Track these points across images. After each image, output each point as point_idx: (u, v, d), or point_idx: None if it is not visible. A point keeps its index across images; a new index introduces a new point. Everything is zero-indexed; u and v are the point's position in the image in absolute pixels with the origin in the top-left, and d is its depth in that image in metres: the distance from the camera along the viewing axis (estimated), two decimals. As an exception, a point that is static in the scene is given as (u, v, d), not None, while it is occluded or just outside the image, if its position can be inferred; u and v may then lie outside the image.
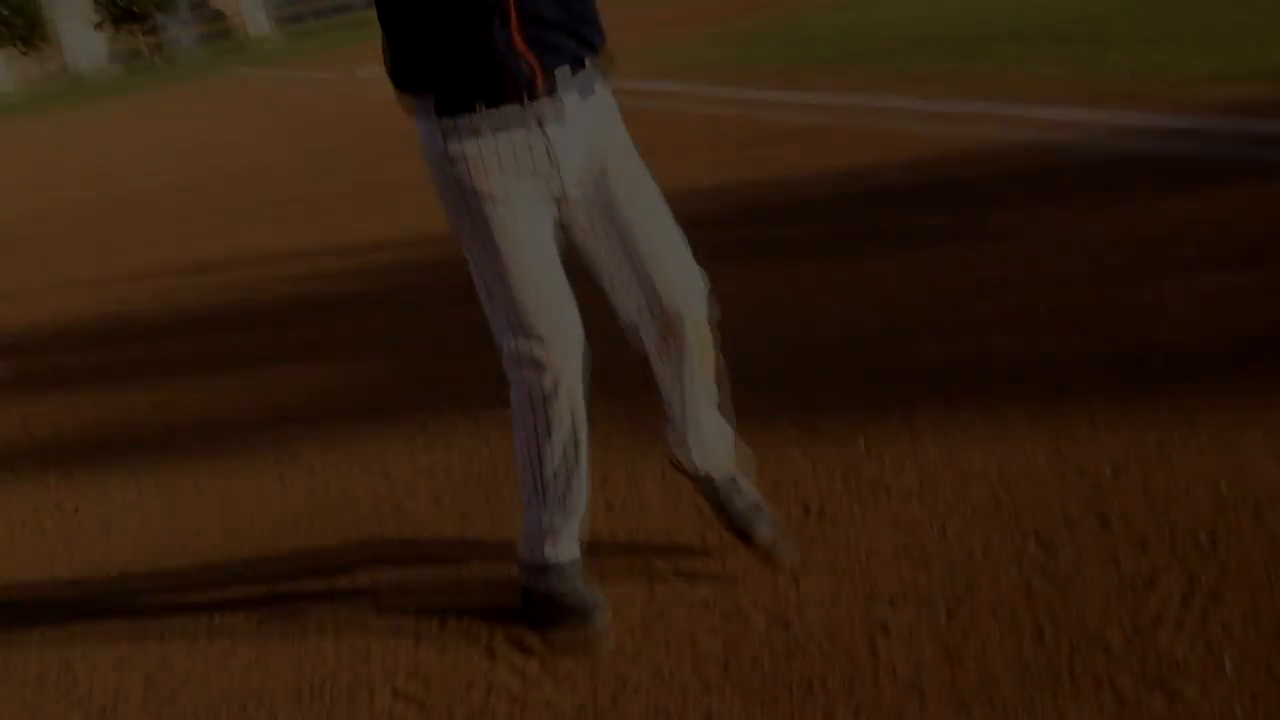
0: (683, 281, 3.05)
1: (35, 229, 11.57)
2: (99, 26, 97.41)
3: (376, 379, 5.30)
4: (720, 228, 6.19)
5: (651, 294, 3.04)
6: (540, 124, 2.87)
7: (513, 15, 2.77)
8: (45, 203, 13.62)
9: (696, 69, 13.06)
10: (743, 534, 3.19)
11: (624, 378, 4.23)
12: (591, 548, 3.18)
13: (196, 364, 6.04)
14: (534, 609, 3.14)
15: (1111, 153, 6.74)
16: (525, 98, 2.84)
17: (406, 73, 2.93)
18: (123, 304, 7.65)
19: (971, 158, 7.20)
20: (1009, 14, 13.16)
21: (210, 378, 5.73)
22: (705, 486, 3.26)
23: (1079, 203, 5.93)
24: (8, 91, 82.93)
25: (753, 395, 3.52)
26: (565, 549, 3.13)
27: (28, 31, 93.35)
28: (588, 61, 2.94)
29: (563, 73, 2.87)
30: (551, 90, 2.86)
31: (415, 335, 5.78)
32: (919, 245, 5.68)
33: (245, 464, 4.54)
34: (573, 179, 2.94)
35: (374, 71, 21.13)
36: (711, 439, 3.24)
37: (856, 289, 5.15)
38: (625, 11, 25.68)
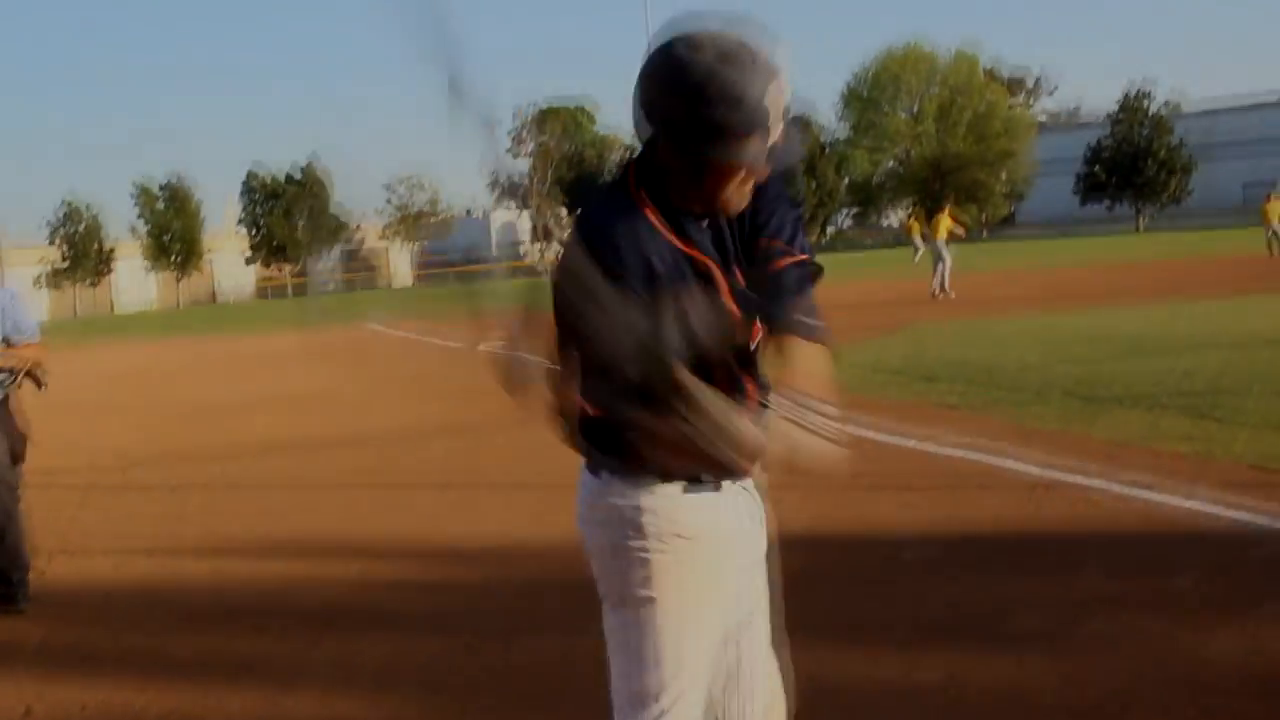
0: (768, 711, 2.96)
1: (120, 477, 11.45)
2: (250, 261, 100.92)
3: (398, 725, 4.86)
4: (801, 591, 5.73)
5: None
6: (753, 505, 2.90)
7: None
8: (137, 443, 13.58)
9: (808, 392, 12.77)
10: None
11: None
12: None
13: (222, 669, 5.65)
14: None
15: (1233, 557, 6.24)
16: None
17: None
18: (175, 580, 7.35)
19: (1080, 541, 6.75)
20: (1134, 372, 12.80)
21: (230, 690, 5.34)
22: None
23: (1191, 615, 5.43)
24: (152, 311, 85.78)
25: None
26: None
27: (186, 257, 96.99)
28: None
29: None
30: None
31: (454, 673, 5.36)
32: (1008, 645, 5.19)
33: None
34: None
35: (497, 346, 21.24)
36: None
37: (933, 695, 4.66)
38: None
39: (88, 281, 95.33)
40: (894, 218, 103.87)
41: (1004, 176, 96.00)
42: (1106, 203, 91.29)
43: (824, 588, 6.09)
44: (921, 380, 13.49)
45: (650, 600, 2.76)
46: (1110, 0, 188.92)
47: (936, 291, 27.99)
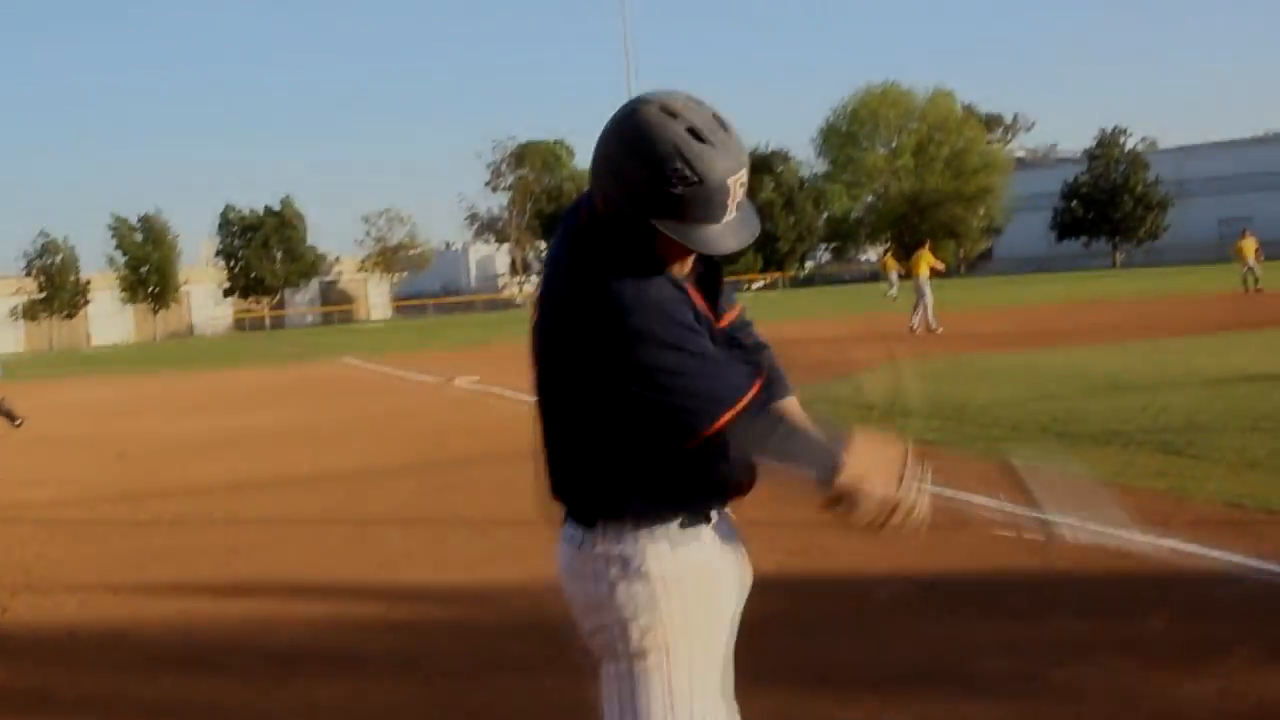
0: None
1: (88, 512, 11.32)
2: (227, 294, 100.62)
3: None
4: (770, 636, 5.66)
5: None
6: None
7: None
8: (106, 477, 13.42)
9: (783, 428, 12.67)
10: None
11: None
12: None
13: (182, 712, 5.56)
14: None
15: (1205, 598, 6.18)
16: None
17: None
18: (139, 619, 7.23)
19: (1052, 582, 6.67)
20: (1109, 409, 12.79)
21: (189, 734, 5.24)
22: None
23: (1162, 658, 5.37)
24: (127, 344, 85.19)
25: None
26: None
27: (162, 290, 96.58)
28: None
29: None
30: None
31: (415, 715, 5.28)
32: (979, 688, 5.13)
33: None
34: None
35: (470, 382, 21.03)
36: None
37: (901, 742, 4.59)
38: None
39: (63, 314, 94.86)
40: (872, 253, 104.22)
41: (981, 213, 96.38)
42: (1083, 239, 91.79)
43: (793, 630, 6.03)
44: (896, 417, 13.44)
45: (658, 649, 2.69)
46: (1087, 46, 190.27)
47: (915, 327, 28.00)
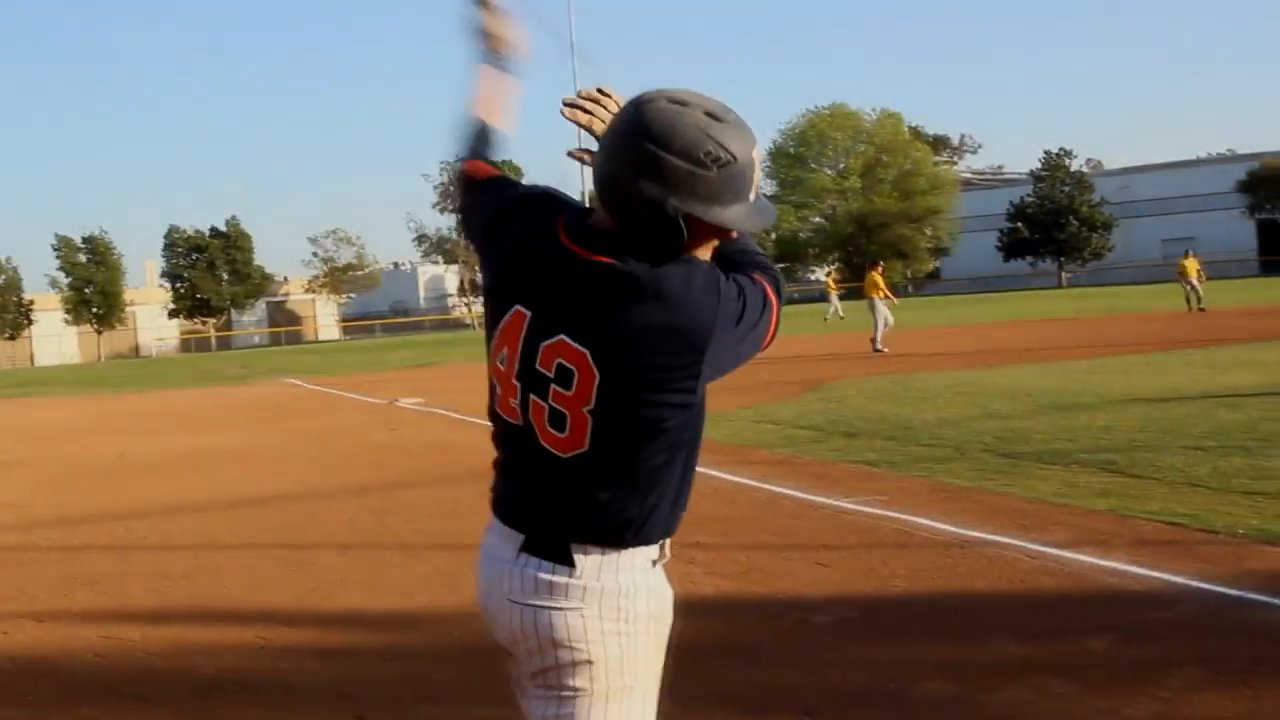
0: None
1: (18, 536, 11.08)
2: (173, 315, 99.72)
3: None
4: (710, 661, 5.59)
5: None
6: None
7: None
8: (39, 501, 13.18)
9: (726, 450, 12.61)
10: None
11: None
12: None
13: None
14: None
15: (1147, 619, 6.15)
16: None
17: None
18: (64, 648, 7.05)
19: (994, 603, 6.64)
20: (1053, 428, 12.81)
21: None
22: None
23: (1103, 680, 5.32)
24: (71, 364, 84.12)
25: None
26: None
27: (106, 311, 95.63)
28: None
29: None
30: None
31: (344, 747, 5.15)
32: (919, 711, 5.07)
33: None
34: None
35: (415, 402, 20.83)
36: None
37: (838, 769, 4.50)
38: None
39: (6, 335, 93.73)
40: (821, 273, 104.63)
41: (929, 233, 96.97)
42: (1029, 259, 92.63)
43: (731, 655, 5.94)
44: (841, 437, 13.41)
45: (623, 689, 2.59)
46: (1034, 69, 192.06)
47: (877, 341, 27.95)
